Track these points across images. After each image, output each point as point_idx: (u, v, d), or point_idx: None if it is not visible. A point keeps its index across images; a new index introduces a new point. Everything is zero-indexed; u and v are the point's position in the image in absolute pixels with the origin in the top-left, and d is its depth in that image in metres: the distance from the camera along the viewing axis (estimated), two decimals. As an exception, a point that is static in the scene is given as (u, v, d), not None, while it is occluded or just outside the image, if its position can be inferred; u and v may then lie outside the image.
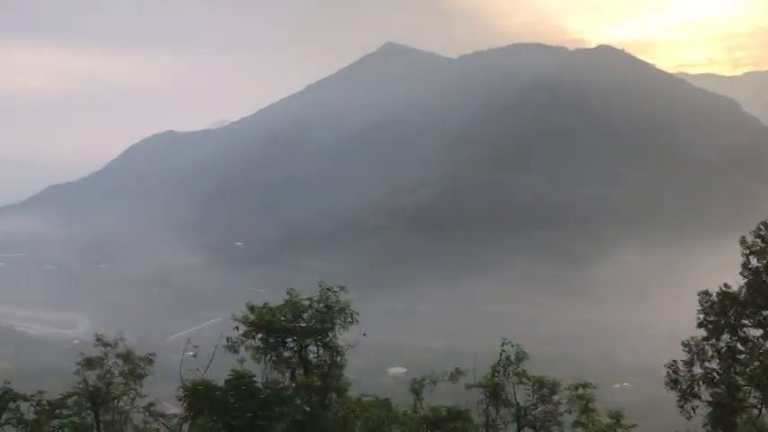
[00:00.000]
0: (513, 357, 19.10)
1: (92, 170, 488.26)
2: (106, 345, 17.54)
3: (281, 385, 18.06)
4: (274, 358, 18.38)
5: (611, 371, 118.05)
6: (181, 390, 17.34)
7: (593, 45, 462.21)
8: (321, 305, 18.47)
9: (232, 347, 18.15)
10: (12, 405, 16.01)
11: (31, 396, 16.57)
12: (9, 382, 16.66)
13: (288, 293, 18.92)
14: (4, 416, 15.92)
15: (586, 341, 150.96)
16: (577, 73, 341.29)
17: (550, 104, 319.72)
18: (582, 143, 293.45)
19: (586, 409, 18.31)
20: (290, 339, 18.45)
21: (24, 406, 16.38)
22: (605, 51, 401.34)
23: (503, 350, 19.19)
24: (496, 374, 19.10)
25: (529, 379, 18.89)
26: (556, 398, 18.76)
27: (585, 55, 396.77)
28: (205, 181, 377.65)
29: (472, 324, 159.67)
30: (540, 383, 18.79)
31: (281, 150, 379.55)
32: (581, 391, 18.56)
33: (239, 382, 17.27)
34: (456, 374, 19.16)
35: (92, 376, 17.41)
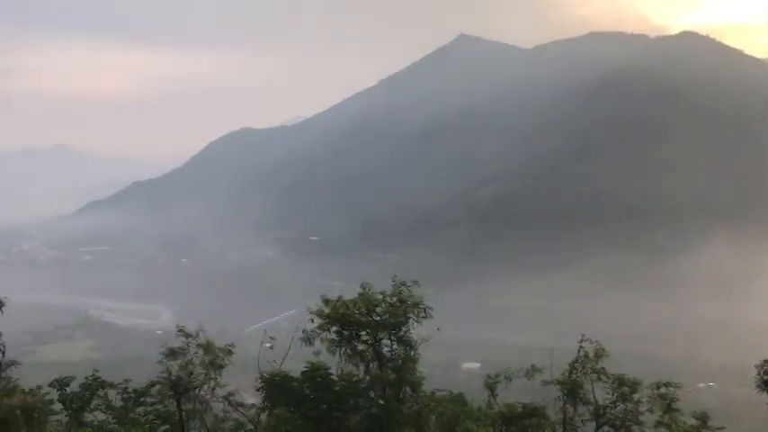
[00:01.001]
0: (591, 354, 18.65)
1: (173, 167, 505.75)
2: (188, 336, 18.06)
3: (356, 378, 18.21)
4: (349, 351, 18.55)
5: (695, 370, 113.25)
6: (259, 380, 17.74)
7: (675, 32, 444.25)
8: (395, 299, 18.50)
9: (308, 340, 18.42)
10: (101, 392, 16.74)
11: (118, 384, 17.27)
12: (98, 371, 17.42)
13: (362, 287, 19.03)
14: (94, 402, 16.64)
15: (669, 338, 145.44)
16: (659, 61, 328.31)
17: (630, 94, 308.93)
18: (665, 134, 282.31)
19: (669, 409, 17.73)
20: (364, 333, 18.57)
21: (112, 393, 17.09)
22: (689, 38, 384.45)
23: (581, 347, 18.77)
24: (574, 371, 18.70)
25: (608, 377, 18.41)
26: (636, 397, 18.23)
27: (668, 42, 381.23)
28: (281, 176, 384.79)
29: (549, 319, 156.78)
30: (619, 381, 18.29)
31: (355, 145, 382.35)
32: (663, 390, 17.98)
33: (315, 373, 17.52)
34: (532, 371, 18.87)
35: (174, 366, 17.96)
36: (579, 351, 18.70)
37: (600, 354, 18.52)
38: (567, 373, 18.61)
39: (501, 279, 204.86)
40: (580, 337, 18.67)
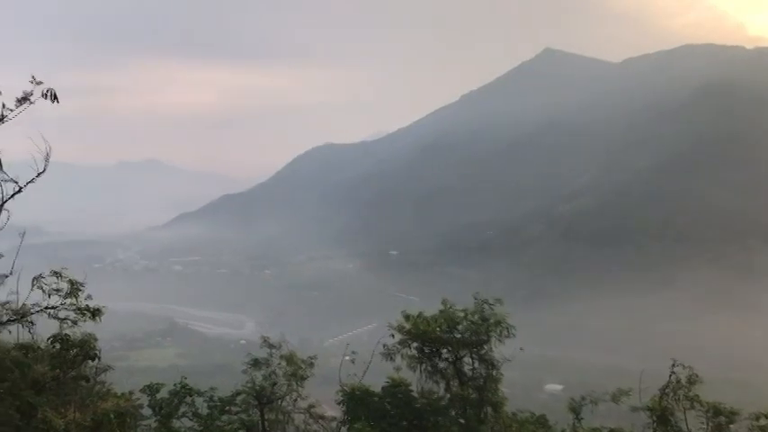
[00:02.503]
0: (683, 380, 17.76)
1: (260, 181, 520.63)
2: (271, 347, 18.31)
3: (437, 396, 18.00)
4: (429, 368, 18.36)
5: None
6: (339, 393, 17.80)
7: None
8: (476, 317, 18.23)
9: (388, 355, 18.35)
10: (188, 399, 17.15)
11: (205, 392, 17.65)
12: (186, 378, 17.88)
13: (442, 304, 18.85)
14: (182, 409, 17.09)
15: None
16: (757, 74, 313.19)
17: (726, 108, 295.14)
18: (762, 149, 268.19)
19: (770, 443, 16.62)
20: (445, 350, 18.36)
21: (198, 401, 17.50)
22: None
23: (672, 371, 17.89)
24: (665, 397, 17.85)
25: (702, 405, 17.44)
26: (734, 427, 17.18)
27: (766, 54, 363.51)
28: (363, 190, 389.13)
29: (638, 341, 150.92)
30: (715, 410, 17.27)
31: (437, 160, 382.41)
32: (763, 421, 16.88)
33: (396, 389, 17.43)
34: (619, 394, 18.10)
35: (258, 376, 18.23)
36: (670, 376, 17.83)
37: (693, 380, 17.58)
38: (657, 399, 17.76)
39: (586, 298, 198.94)
40: (672, 362, 17.81)
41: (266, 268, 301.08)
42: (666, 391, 17.77)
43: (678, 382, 17.67)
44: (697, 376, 17.67)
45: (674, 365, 17.77)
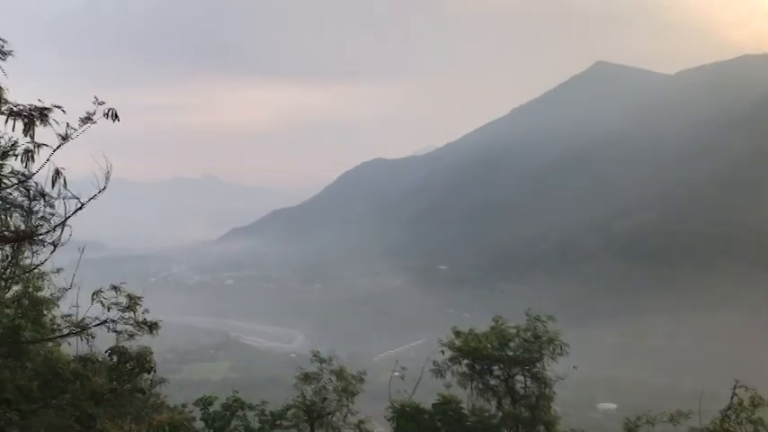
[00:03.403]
0: (746, 402, 17.08)
1: (309, 195, 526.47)
2: (322, 361, 18.36)
3: (488, 414, 17.75)
4: (480, 385, 18.13)
5: None
6: (389, 410, 17.71)
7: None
8: (528, 334, 17.95)
9: (438, 371, 18.21)
10: (240, 413, 17.32)
11: (256, 406, 17.80)
12: (237, 391, 18.07)
13: (494, 320, 18.63)
14: (234, 423, 17.27)
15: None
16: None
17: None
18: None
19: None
20: (496, 367, 18.12)
21: (250, 414, 17.65)
22: None
23: (734, 393, 17.23)
24: (726, 420, 17.18)
25: (766, 428, 16.76)
26: (800, 453, 16.42)
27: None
28: (412, 205, 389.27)
29: (696, 361, 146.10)
30: (780, 434, 16.56)
31: (487, 174, 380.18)
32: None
33: (446, 406, 17.27)
34: (677, 416, 17.53)
35: (308, 391, 18.28)
36: (732, 398, 17.15)
37: (757, 402, 16.85)
38: (718, 422, 17.09)
39: (641, 316, 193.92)
40: (734, 383, 17.14)
41: (316, 282, 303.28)
42: (728, 413, 17.11)
43: (740, 404, 16.99)
44: (761, 398, 16.98)
45: (735, 387, 17.11)
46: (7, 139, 8.57)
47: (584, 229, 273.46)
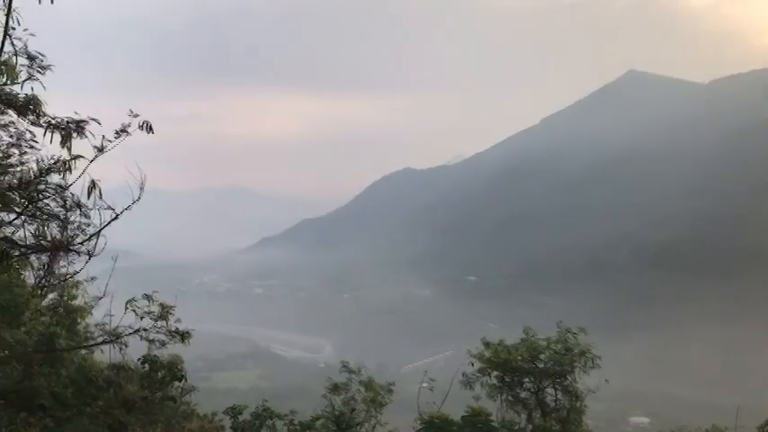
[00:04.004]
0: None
1: (338, 205, 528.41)
2: (350, 372, 18.34)
3: (518, 427, 17.55)
4: (510, 398, 17.94)
5: None
6: (418, 422, 17.60)
7: None
8: (559, 346, 17.73)
9: (468, 383, 18.07)
10: (269, 422, 17.38)
11: (285, 415, 17.83)
12: (267, 401, 18.14)
13: (524, 332, 18.45)
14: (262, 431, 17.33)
15: None
16: None
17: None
18: None
19: None
20: (526, 380, 17.93)
21: (279, 424, 17.69)
22: None
23: (772, 409, 16.84)
24: (765, 437, 16.77)
25: (806, 446, 16.31)
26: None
27: None
28: (441, 215, 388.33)
29: (730, 374, 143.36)
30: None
31: (516, 184, 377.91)
32: None
33: (476, 419, 17.09)
34: (712, 431, 17.19)
35: (337, 401, 18.27)
36: (771, 414, 16.77)
37: (797, 419, 16.48)
38: (756, 438, 16.72)
39: (674, 328, 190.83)
40: (771, 399, 16.75)
41: (344, 292, 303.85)
42: (765, 429, 16.76)
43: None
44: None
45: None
46: (49, 156, 8.78)
47: (614, 240, 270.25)
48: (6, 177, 8.51)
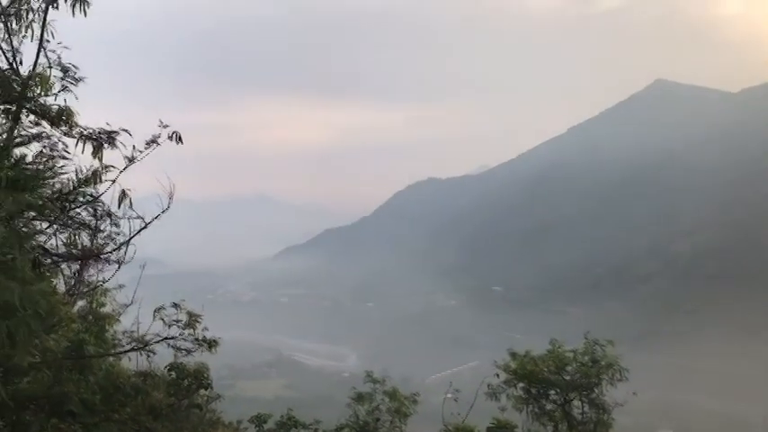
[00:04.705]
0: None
1: (363, 214, 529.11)
2: (375, 382, 18.32)
3: (544, 439, 17.40)
4: (536, 410, 17.76)
5: None
6: (442, 433, 17.50)
7: None
8: (586, 358, 17.53)
9: (493, 394, 17.93)
10: (293, 431, 17.42)
11: (310, 425, 17.87)
12: (291, 409, 18.20)
13: (550, 344, 18.28)
14: (287, 441, 17.37)
15: None
16: None
17: None
18: None
19: None
20: (553, 392, 17.75)
21: (303, 433, 17.72)
22: None
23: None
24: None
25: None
26: None
27: None
28: (465, 225, 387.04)
29: (761, 387, 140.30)
30: None
31: (542, 194, 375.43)
32: None
33: (501, 431, 16.96)
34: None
35: (361, 411, 18.25)
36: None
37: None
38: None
39: (704, 340, 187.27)
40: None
41: (368, 301, 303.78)
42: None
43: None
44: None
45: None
46: (81, 166, 8.94)
47: (642, 251, 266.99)
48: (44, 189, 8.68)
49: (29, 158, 8.22)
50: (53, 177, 8.11)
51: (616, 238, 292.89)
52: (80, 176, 8.70)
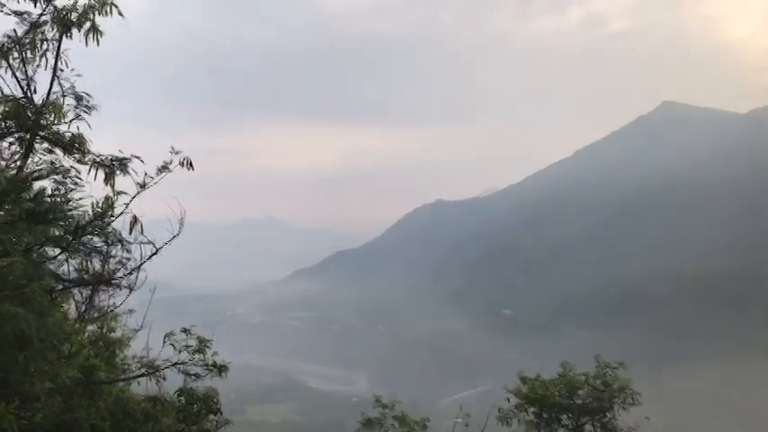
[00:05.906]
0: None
1: (371, 237, 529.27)
2: (384, 406, 18.21)
3: (556, 465, 17.22)
4: (548, 435, 17.64)
5: None
6: (453, 458, 17.36)
7: None
8: (598, 382, 17.41)
9: (504, 419, 17.81)
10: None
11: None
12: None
13: (561, 367, 18.19)
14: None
15: None
16: None
17: None
18: None
19: None
20: (564, 416, 17.61)
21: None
22: None
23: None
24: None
25: None
26: None
27: None
28: (474, 247, 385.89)
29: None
30: None
31: (551, 217, 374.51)
32: None
33: (512, 456, 16.84)
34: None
35: (371, 435, 18.11)
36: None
37: None
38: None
39: (718, 365, 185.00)
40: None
41: (378, 324, 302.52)
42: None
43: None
44: None
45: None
46: (95, 195, 9.03)
47: (654, 273, 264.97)
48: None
49: (48, 191, 8.31)
50: (70, 210, 8.19)
51: (627, 260, 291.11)
52: (96, 209, 8.78)
